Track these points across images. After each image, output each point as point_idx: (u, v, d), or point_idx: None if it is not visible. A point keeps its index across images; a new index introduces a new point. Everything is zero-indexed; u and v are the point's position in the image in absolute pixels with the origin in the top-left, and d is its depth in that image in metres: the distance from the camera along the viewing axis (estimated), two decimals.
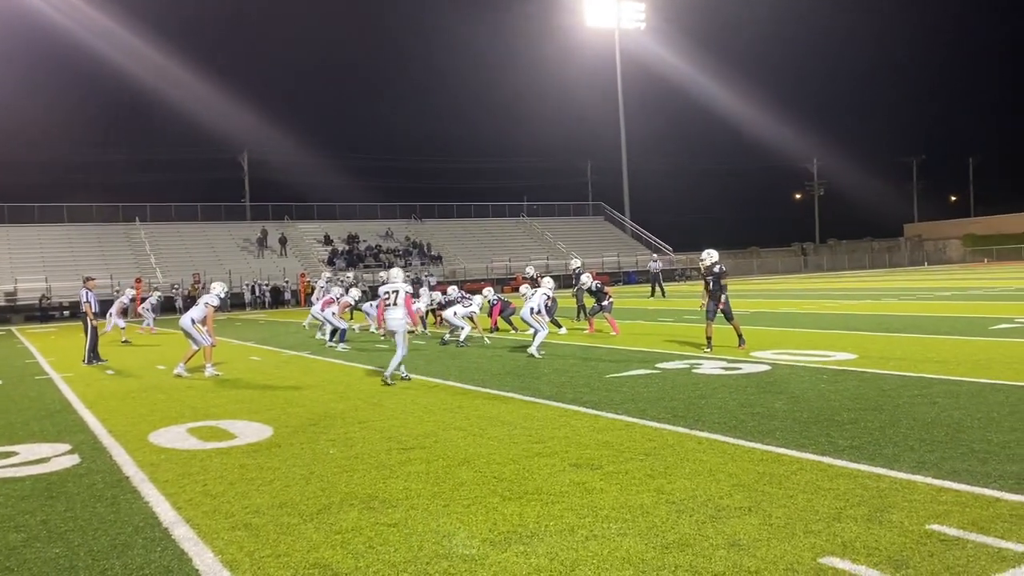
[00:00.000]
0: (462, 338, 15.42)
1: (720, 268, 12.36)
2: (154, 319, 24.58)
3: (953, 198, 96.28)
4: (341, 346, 15.92)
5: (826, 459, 5.70)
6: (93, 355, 15.35)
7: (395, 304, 10.54)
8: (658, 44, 68.50)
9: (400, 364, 10.59)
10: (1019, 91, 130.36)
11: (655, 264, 33.76)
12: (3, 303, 39.30)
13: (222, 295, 13.06)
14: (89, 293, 15.81)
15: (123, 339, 20.48)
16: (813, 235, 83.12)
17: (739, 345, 12.22)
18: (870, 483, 5.08)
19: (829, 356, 11.10)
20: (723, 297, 12.26)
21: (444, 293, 19.33)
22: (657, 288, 32.23)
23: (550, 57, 69.69)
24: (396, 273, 11.11)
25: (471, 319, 16.26)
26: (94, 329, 15.59)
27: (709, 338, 12.36)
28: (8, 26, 54.20)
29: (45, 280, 40.67)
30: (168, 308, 40.33)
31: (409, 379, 10.71)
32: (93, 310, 15.67)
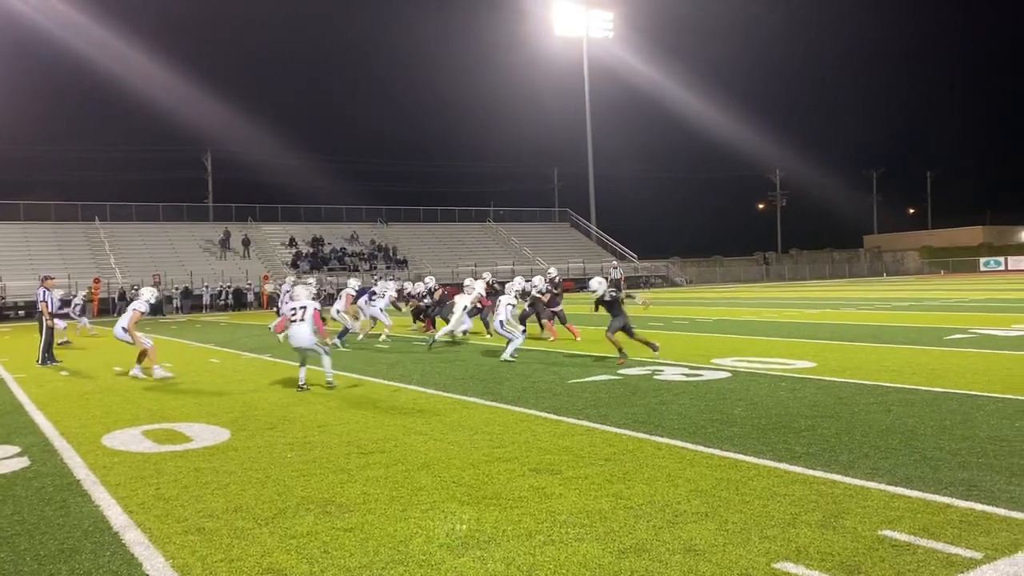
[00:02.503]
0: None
1: (610, 295, 12.38)
2: (89, 321, 24.35)
3: (911, 211, 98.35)
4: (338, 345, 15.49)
5: (783, 465, 5.76)
6: (47, 355, 15.03)
7: (302, 320, 10.25)
8: (626, 53, 69.14)
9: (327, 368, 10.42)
10: (979, 106, 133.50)
11: (615, 271, 33.96)
12: None
13: (152, 300, 13.21)
14: (47, 292, 15.57)
15: (61, 340, 20.06)
16: (775, 244, 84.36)
17: (655, 351, 12.20)
18: (825, 489, 5.14)
19: (789, 364, 11.23)
20: (623, 316, 12.22)
21: (434, 296, 19.09)
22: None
23: (519, 64, 69.98)
24: (300, 291, 10.82)
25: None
26: (49, 329, 15.26)
27: (620, 349, 12.21)
28: None
29: (0, 279, 39.74)
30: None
31: (334, 386, 10.34)
32: (50, 310, 15.37)
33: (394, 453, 6.58)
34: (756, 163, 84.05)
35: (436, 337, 15.77)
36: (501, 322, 13.59)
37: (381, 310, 18.35)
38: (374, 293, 18.62)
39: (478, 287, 17.00)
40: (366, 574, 4.00)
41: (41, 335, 15.18)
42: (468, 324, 17.06)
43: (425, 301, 19.38)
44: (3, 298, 38.73)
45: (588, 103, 65.57)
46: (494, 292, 17.76)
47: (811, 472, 5.55)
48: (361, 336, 17.94)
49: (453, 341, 16.57)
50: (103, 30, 56.80)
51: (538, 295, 16.67)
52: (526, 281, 17.64)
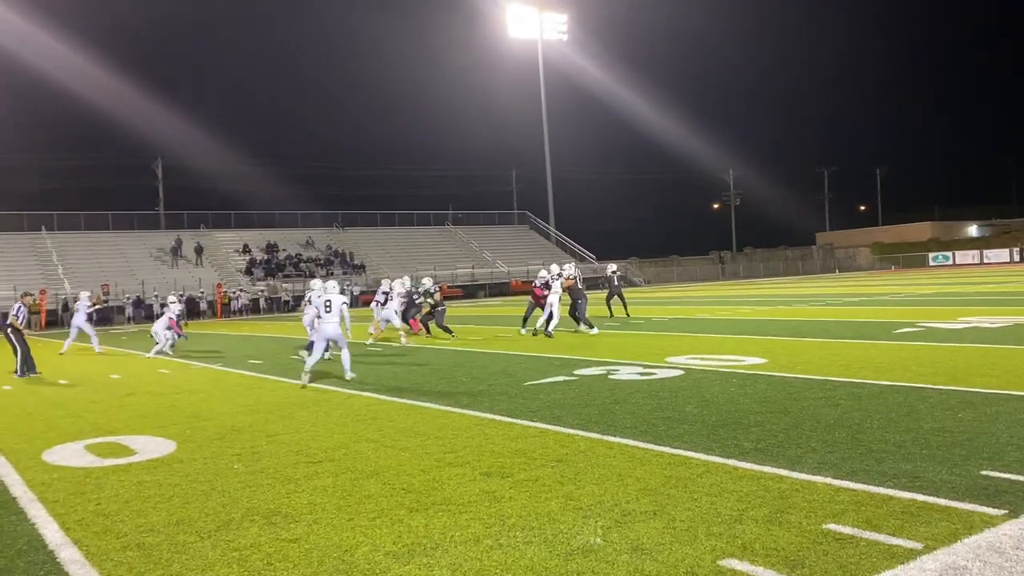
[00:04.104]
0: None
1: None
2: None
3: (862, 207, 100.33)
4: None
5: (732, 461, 5.79)
6: (27, 367, 14.72)
7: (329, 312, 11.44)
8: (580, 56, 69.50)
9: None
10: (926, 105, 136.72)
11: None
12: None
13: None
14: (22, 308, 15.91)
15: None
16: (730, 243, 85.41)
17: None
18: (772, 484, 5.17)
19: (741, 360, 11.34)
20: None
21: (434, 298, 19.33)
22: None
23: (474, 66, 70.02)
24: (332, 285, 12.07)
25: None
26: (23, 341, 15.00)
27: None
28: None
29: None
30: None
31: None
32: (20, 323, 15.33)
33: (344, 461, 6.48)
34: (710, 164, 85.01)
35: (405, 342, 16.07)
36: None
37: (396, 312, 18.03)
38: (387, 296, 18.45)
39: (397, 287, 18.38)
40: None
41: (15, 349, 14.94)
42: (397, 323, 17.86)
43: (419, 301, 19.33)
44: None
45: (544, 105, 65.81)
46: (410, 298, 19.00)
47: (759, 468, 5.58)
48: (371, 341, 17.54)
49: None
50: (49, 37, 55.52)
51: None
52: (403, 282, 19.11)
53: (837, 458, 5.74)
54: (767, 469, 5.54)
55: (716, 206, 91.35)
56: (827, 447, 6.08)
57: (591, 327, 17.26)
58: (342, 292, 12.29)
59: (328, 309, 11.30)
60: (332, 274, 49.65)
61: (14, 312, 15.75)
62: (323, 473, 6.12)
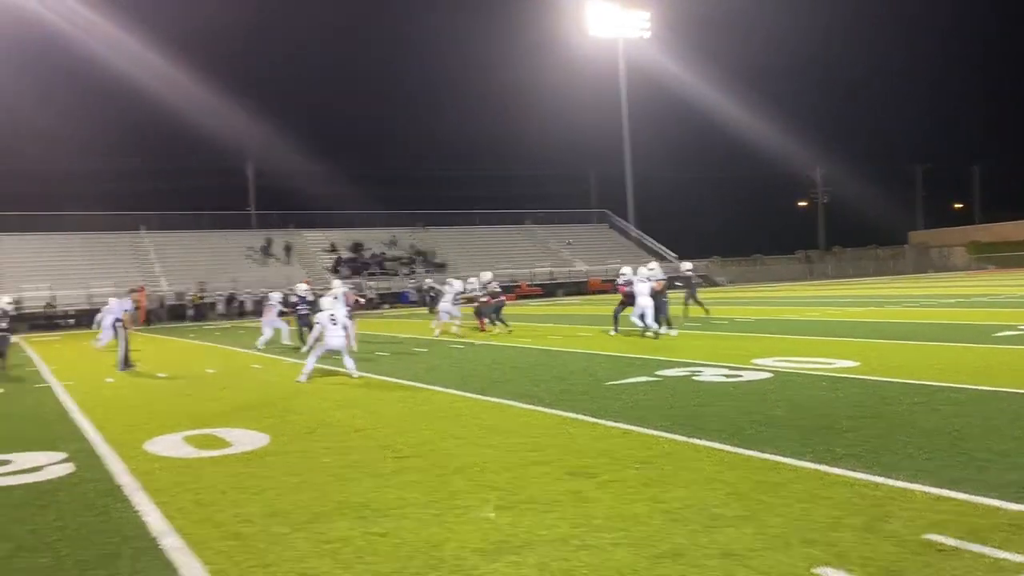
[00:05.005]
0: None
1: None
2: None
3: (958, 205, 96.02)
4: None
5: (824, 467, 5.63)
6: (126, 362, 15.43)
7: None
8: (662, 53, 68.49)
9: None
10: None
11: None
12: (13, 311, 39.38)
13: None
14: (128, 304, 16.34)
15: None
16: (817, 242, 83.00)
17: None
18: (867, 492, 5.01)
19: (831, 363, 11.02)
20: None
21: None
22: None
23: (553, 66, 69.48)
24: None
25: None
26: (126, 338, 15.70)
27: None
28: (13, 36, 54.47)
29: (50, 289, 40.72)
30: (178, 316, 40.60)
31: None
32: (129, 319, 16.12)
33: (430, 457, 6.57)
34: (796, 160, 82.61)
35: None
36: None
37: (454, 303, 20.36)
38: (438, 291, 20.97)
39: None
40: None
41: (121, 343, 15.64)
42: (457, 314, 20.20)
43: (483, 296, 20.71)
44: (54, 307, 39.67)
45: (625, 103, 65.26)
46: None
47: (853, 474, 5.42)
48: (437, 332, 19.77)
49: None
50: (150, 51, 57.86)
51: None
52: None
53: (936, 466, 5.53)
54: (861, 476, 5.37)
55: (803, 204, 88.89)
56: (925, 454, 5.86)
57: (671, 327, 17.04)
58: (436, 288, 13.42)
59: (334, 322, 12.06)
60: (415, 272, 50.44)
61: (127, 308, 16.26)
62: (410, 469, 6.22)
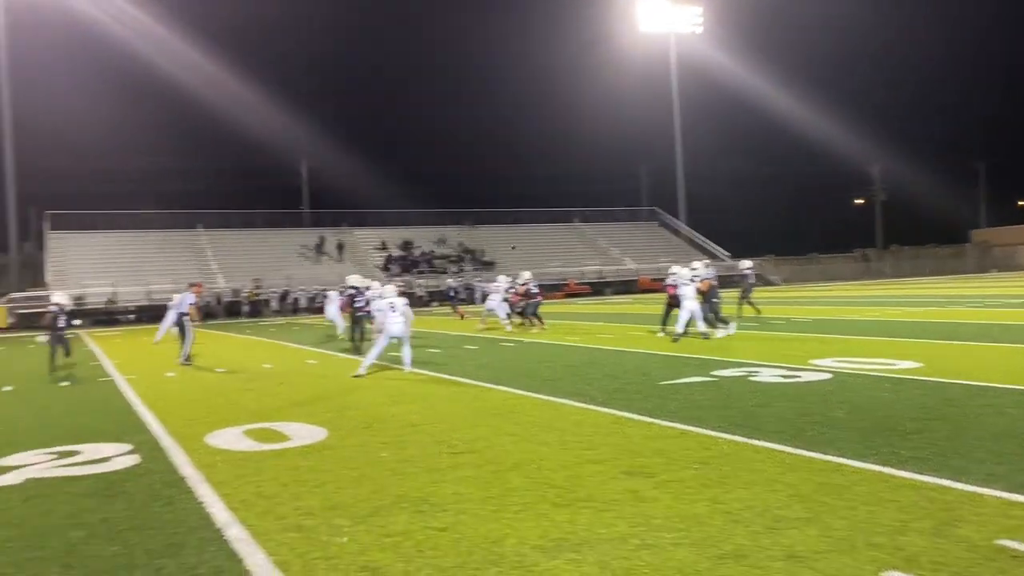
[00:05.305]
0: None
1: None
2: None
3: (1022, 203, 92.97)
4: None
5: (889, 470, 5.50)
6: (187, 357, 15.74)
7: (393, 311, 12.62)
8: (715, 48, 67.63)
9: None
10: None
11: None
12: (72, 307, 40.62)
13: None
14: (191, 297, 16.36)
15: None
16: (875, 241, 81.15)
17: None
18: (936, 495, 4.88)
19: (892, 364, 10.77)
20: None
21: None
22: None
23: (603, 64, 69.10)
24: (389, 289, 13.34)
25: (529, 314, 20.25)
26: (191, 332, 15.99)
27: None
28: (75, 41, 56.21)
29: (112, 285, 41.89)
30: (234, 312, 41.44)
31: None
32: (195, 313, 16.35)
33: (485, 453, 6.60)
34: (853, 157, 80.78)
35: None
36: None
37: (503, 300, 21.29)
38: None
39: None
40: (460, 574, 4.01)
41: (183, 337, 15.99)
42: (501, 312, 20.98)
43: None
44: (115, 303, 40.80)
45: (676, 100, 64.68)
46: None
47: (920, 477, 5.28)
48: (482, 324, 21.33)
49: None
50: (205, 55, 59.12)
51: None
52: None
53: (1007, 470, 5.36)
54: (928, 479, 5.24)
55: (860, 201, 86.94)
56: (995, 458, 5.69)
57: (727, 324, 16.82)
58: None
59: (393, 309, 12.51)
60: (463, 270, 50.67)
61: (190, 302, 16.29)
62: (465, 464, 6.25)
